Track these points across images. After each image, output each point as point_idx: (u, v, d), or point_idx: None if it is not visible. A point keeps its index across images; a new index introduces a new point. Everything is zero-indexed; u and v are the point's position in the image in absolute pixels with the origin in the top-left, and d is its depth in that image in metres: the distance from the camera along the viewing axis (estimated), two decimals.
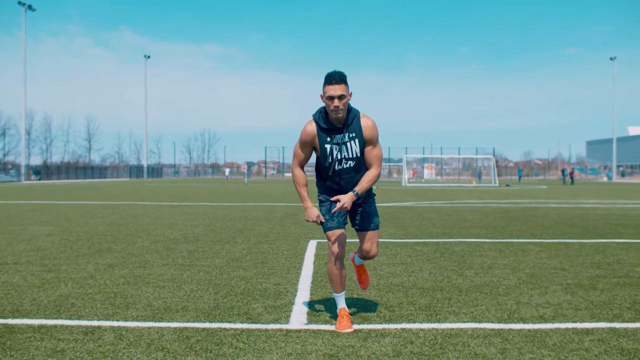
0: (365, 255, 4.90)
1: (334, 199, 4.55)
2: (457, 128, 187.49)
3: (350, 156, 4.55)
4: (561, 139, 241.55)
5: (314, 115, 4.60)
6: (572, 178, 58.11)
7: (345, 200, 4.47)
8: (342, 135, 4.52)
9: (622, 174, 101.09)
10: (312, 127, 4.54)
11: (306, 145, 4.59)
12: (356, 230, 4.84)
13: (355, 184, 4.63)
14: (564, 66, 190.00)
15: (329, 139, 4.52)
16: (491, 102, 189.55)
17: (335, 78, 4.36)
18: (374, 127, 4.57)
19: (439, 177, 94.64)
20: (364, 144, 4.56)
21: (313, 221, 4.58)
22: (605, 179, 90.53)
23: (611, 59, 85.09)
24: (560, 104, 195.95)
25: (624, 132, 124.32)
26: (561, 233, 11.05)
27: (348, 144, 4.52)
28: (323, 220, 4.59)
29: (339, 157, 4.54)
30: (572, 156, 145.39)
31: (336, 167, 4.57)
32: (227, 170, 77.27)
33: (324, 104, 4.51)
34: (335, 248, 4.58)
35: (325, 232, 4.64)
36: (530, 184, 58.00)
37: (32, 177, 68.08)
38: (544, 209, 18.00)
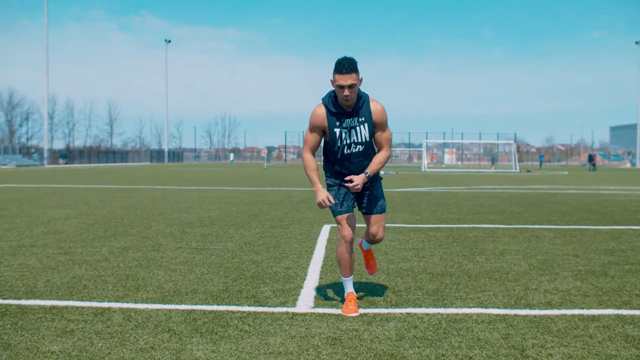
0: (372, 239, 4.92)
1: (347, 178, 4.57)
2: (478, 113, 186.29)
3: (360, 140, 4.57)
4: (584, 124, 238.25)
5: (323, 99, 4.61)
6: (593, 164, 57.42)
7: (358, 181, 4.51)
8: (351, 119, 4.53)
9: None
10: (322, 111, 4.55)
11: (316, 129, 4.59)
12: (363, 213, 4.85)
13: (364, 168, 4.65)
14: (587, 50, 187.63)
15: (338, 123, 4.53)
16: (513, 87, 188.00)
17: (346, 67, 4.34)
18: (383, 112, 4.59)
19: (460, 163, 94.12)
20: (373, 128, 4.59)
21: (322, 202, 4.50)
22: (628, 165, 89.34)
23: (637, 42, 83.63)
24: (584, 89, 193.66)
25: None
26: (577, 219, 10.97)
27: (357, 128, 4.54)
28: (333, 201, 4.59)
29: (347, 141, 4.55)
30: (595, 142, 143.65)
31: (345, 151, 4.59)
32: (231, 155, 77.48)
33: (333, 88, 4.52)
34: (345, 232, 4.61)
35: (335, 216, 4.67)
36: (552, 170, 57.46)
37: (60, 160, 69.58)
38: (562, 195, 17.86)
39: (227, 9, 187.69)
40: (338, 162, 4.67)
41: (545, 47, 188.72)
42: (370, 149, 4.67)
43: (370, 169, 4.60)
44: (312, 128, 4.60)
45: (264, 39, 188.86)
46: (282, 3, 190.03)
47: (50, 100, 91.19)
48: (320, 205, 4.54)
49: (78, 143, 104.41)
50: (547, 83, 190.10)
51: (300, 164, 72.62)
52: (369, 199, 4.79)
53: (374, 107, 4.57)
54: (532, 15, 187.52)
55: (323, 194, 4.52)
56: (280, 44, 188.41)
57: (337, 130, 4.53)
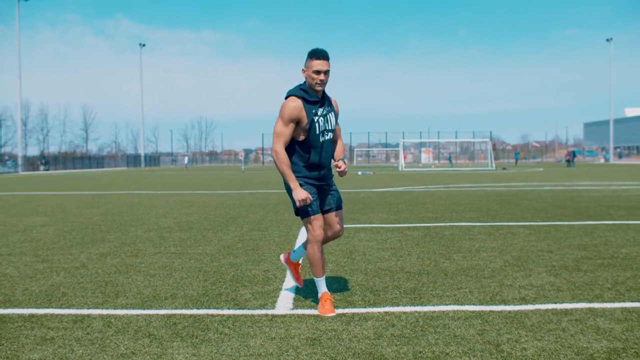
0: (336, 234, 5.00)
1: (335, 164, 4.83)
2: (455, 112, 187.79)
3: (331, 128, 4.80)
4: (558, 121, 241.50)
5: (293, 92, 4.67)
6: (567, 160, 58.19)
7: (344, 165, 4.80)
8: (323, 108, 4.73)
9: (620, 156, 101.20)
10: (297, 103, 4.60)
11: (291, 122, 4.59)
12: (327, 211, 4.89)
13: (331, 157, 4.85)
14: (561, 48, 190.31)
15: (314, 112, 4.65)
16: (489, 85, 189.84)
17: (323, 54, 4.62)
18: (336, 104, 4.97)
19: (436, 162, 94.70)
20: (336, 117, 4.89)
21: (304, 200, 4.56)
22: (602, 160, 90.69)
23: (608, 40, 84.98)
24: (558, 86, 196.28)
25: (621, 114, 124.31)
26: (552, 215, 11.15)
27: (328, 115, 4.77)
28: (312, 199, 4.66)
29: (322, 128, 4.69)
30: (570, 138, 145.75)
31: (320, 139, 4.70)
32: (185, 159, 76.90)
33: (303, 81, 4.72)
34: (318, 232, 4.69)
35: (307, 216, 4.68)
36: (527, 167, 58.11)
37: (41, 167, 69.53)
38: (538, 192, 18.10)
39: (204, 11, 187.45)
40: (313, 153, 4.70)
41: (521, 45, 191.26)
42: (334, 137, 4.92)
43: (341, 156, 4.91)
44: (287, 121, 4.59)
45: (241, 40, 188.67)
46: (259, 5, 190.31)
47: (24, 107, 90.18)
48: (300, 203, 4.57)
49: (53, 149, 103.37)
50: (522, 81, 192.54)
51: None
52: (333, 194, 4.92)
53: (333, 98, 4.92)
54: (508, 14, 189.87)
55: (304, 193, 4.57)
56: (257, 45, 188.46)
57: (316, 119, 4.65)
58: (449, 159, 76.66)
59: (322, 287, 4.76)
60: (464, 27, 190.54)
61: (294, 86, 4.76)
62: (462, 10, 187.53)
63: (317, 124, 4.66)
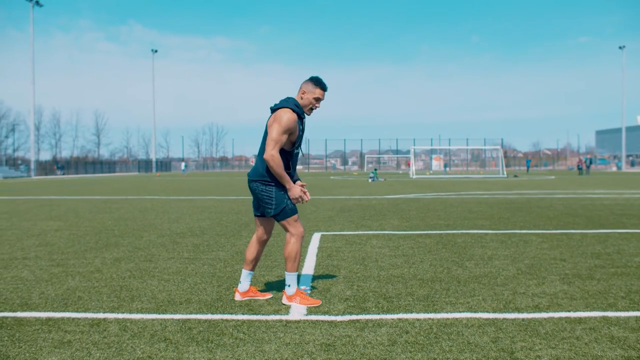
0: (267, 240, 5.40)
1: (300, 184, 5.20)
2: (466, 119, 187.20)
3: (303, 142, 5.29)
4: (570, 129, 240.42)
5: (290, 107, 5.04)
6: (579, 168, 57.93)
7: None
8: (303, 124, 5.20)
9: (632, 164, 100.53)
10: (295, 117, 5.01)
11: (288, 132, 4.98)
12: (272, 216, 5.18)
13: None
14: (574, 56, 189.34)
15: (301, 127, 5.14)
16: (500, 93, 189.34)
17: (326, 86, 5.18)
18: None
19: (447, 169, 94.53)
20: None
21: (301, 197, 5.05)
22: (614, 168, 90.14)
23: (620, 47, 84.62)
24: (570, 94, 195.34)
25: (633, 122, 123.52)
26: (564, 224, 11.12)
27: (304, 133, 5.25)
28: (308, 197, 5.15)
29: (299, 142, 5.17)
30: (582, 146, 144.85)
31: (295, 151, 5.15)
32: (183, 164, 77.08)
33: (290, 96, 5.16)
34: (302, 228, 5.16)
35: (291, 215, 5.08)
36: (539, 175, 57.89)
37: (58, 172, 71.38)
38: (550, 200, 18.05)
39: (216, 18, 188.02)
40: (290, 162, 5.13)
41: (533, 52, 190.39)
42: None
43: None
44: (286, 131, 4.97)
45: (253, 47, 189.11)
46: (271, 11, 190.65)
47: (37, 112, 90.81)
48: (297, 200, 5.04)
49: (65, 154, 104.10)
50: (534, 88, 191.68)
51: None
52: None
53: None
54: (521, 22, 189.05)
55: (299, 190, 5.05)
56: (269, 52, 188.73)
57: (301, 133, 5.13)
58: (445, 166, 77.17)
59: (295, 282, 5.12)
60: (476, 34, 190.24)
61: (284, 99, 5.16)
62: (474, 17, 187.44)
63: (299, 139, 5.12)
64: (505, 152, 79.12)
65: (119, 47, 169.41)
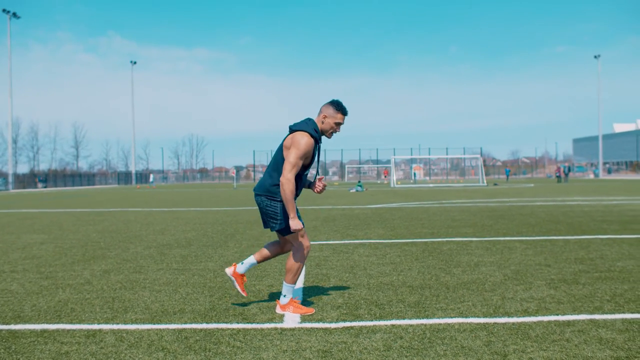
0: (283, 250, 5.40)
1: (319, 177, 5.42)
2: (445, 128, 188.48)
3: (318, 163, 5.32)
4: (548, 137, 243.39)
5: (309, 131, 5.02)
6: (558, 176, 58.61)
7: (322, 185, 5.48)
8: (319, 148, 5.22)
9: (609, 171, 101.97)
10: (312, 142, 5.03)
11: (305, 157, 5.00)
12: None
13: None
14: (551, 65, 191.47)
15: (317, 151, 5.16)
16: (479, 102, 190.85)
17: (347, 112, 5.17)
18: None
19: (427, 178, 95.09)
20: None
21: (296, 230, 5.00)
22: (592, 176, 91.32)
23: (595, 57, 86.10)
24: (547, 103, 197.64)
25: (610, 130, 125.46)
26: (547, 230, 11.30)
27: (319, 154, 5.24)
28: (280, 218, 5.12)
29: (317, 165, 5.22)
30: (559, 154, 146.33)
31: (306, 171, 5.14)
32: (151, 176, 77.02)
33: (316, 120, 5.12)
34: (308, 242, 5.20)
35: (299, 229, 5.04)
36: (518, 183, 58.48)
37: (39, 185, 71.25)
38: (531, 207, 18.28)
39: (197, 29, 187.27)
40: (299, 184, 5.12)
41: (511, 62, 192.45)
42: None
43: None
44: (303, 155, 4.99)
45: (233, 58, 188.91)
46: (252, 22, 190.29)
47: (14, 124, 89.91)
48: (293, 231, 5.02)
49: (43, 167, 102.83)
50: (512, 97, 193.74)
51: None
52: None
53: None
54: (499, 31, 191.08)
55: (299, 224, 5.00)
56: (250, 63, 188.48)
57: (315, 157, 5.13)
58: (414, 175, 78.41)
59: (291, 293, 5.18)
60: (454, 44, 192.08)
61: (304, 120, 5.12)
62: (453, 27, 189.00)
63: (312, 161, 5.14)
64: (484, 161, 79.78)
65: (98, 59, 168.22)
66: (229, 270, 5.32)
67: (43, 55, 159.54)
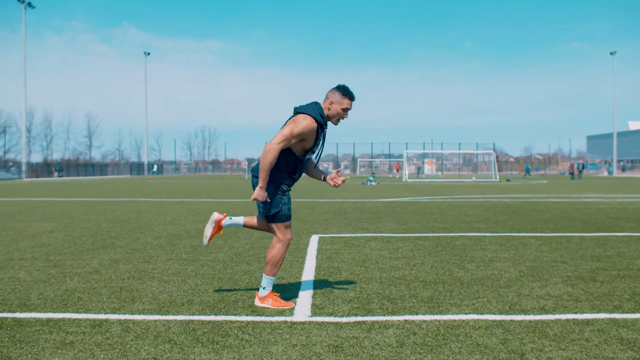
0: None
1: (335, 171, 5.18)
2: (458, 123, 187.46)
3: (320, 150, 5.11)
4: (562, 134, 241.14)
5: (313, 114, 4.83)
6: (571, 173, 58.09)
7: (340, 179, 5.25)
8: (325, 134, 5.02)
9: (623, 169, 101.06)
10: (314, 127, 4.83)
11: (300, 138, 4.80)
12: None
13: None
14: (566, 61, 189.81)
15: (321, 136, 4.96)
16: (492, 98, 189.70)
17: (355, 97, 4.96)
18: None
19: (440, 173, 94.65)
20: None
21: (257, 200, 4.82)
22: (605, 173, 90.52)
23: (611, 53, 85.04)
24: (561, 99, 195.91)
25: (625, 127, 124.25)
26: (562, 227, 11.12)
27: (324, 141, 5.07)
28: (287, 206, 4.97)
29: (315, 149, 5.00)
30: (573, 151, 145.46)
31: (307, 156, 4.99)
32: (155, 166, 76.83)
33: (315, 102, 4.95)
34: (290, 235, 5.07)
35: (282, 220, 4.98)
36: (531, 179, 58.03)
37: (55, 174, 72.26)
38: (545, 204, 18.06)
39: (209, 20, 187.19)
40: (298, 165, 4.97)
41: (525, 58, 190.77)
42: None
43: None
44: (298, 135, 4.80)
45: (246, 50, 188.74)
46: (264, 15, 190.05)
47: (28, 113, 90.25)
48: (255, 199, 4.82)
49: (56, 156, 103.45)
50: (526, 93, 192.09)
51: None
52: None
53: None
54: (514, 27, 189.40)
55: (264, 195, 4.82)
56: (262, 55, 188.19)
57: (319, 141, 4.95)
58: (419, 170, 77.57)
59: (271, 286, 5.01)
60: (468, 39, 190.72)
61: (310, 104, 4.94)
62: (466, 22, 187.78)
63: (317, 148, 5.00)
64: (497, 157, 79.25)
65: (112, 49, 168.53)
66: (217, 216, 5.26)
67: (58, 45, 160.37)
